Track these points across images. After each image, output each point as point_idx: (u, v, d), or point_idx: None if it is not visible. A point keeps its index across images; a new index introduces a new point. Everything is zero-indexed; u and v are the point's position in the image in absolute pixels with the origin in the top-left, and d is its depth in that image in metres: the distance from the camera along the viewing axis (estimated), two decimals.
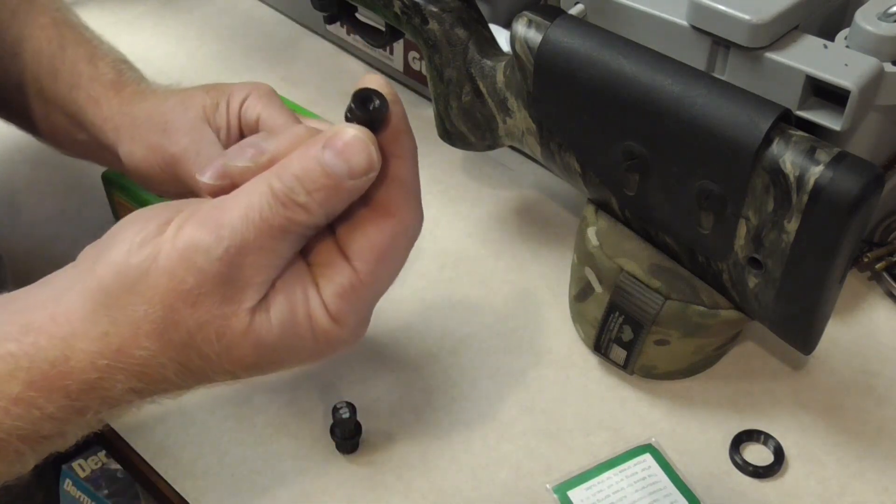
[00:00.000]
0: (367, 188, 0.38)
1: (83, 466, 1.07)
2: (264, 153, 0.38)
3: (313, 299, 0.38)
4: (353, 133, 0.36)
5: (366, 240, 0.39)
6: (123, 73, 0.60)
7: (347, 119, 0.38)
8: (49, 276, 0.41)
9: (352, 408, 0.59)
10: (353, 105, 0.37)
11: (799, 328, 0.58)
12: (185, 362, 0.38)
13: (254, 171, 0.38)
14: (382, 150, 0.38)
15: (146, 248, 0.37)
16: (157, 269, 0.37)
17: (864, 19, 0.60)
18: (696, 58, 0.64)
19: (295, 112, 0.57)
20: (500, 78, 0.64)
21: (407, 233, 0.40)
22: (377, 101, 0.38)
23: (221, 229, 0.36)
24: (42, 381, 0.38)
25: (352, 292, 0.38)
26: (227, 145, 0.56)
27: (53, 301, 0.39)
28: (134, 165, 0.57)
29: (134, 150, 0.57)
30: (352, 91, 0.38)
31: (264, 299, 0.38)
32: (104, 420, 0.41)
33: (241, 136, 0.56)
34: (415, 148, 0.40)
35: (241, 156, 0.38)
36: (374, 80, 0.38)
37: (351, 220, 0.39)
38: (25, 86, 0.62)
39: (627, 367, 0.64)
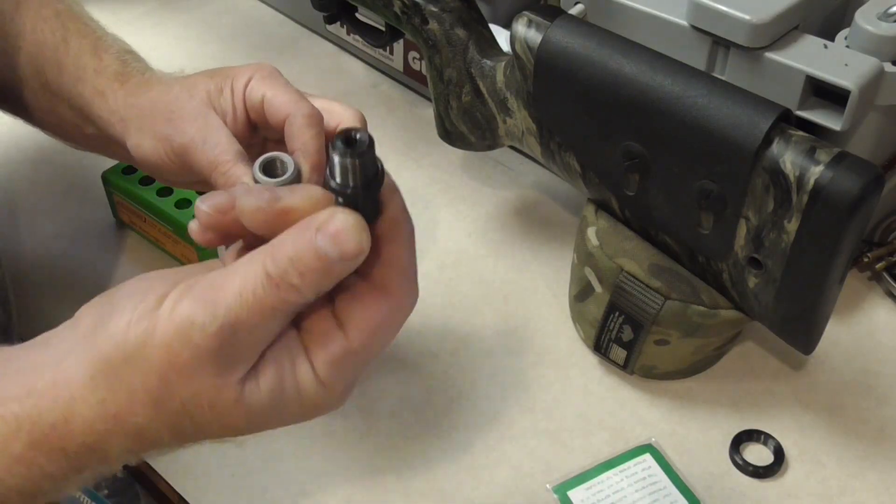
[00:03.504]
0: (357, 266, 0.39)
1: None
2: (279, 200, 0.39)
3: (301, 367, 0.40)
4: (344, 218, 0.37)
5: (362, 313, 0.40)
6: (128, 63, 0.60)
7: (331, 156, 0.39)
8: (48, 334, 0.42)
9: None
10: (339, 146, 0.38)
11: (799, 328, 0.58)
12: (179, 428, 0.40)
13: (265, 213, 0.39)
14: (383, 234, 0.39)
15: (143, 322, 0.38)
16: (154, 342, 0.38)
17: (864, 19, 0.60)
18: (696, 58, 0.64)
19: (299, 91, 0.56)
20: (500, 78, 0.64)
21: (402, 310, 0.41)
22: (360, 140, 0.38)
23: (217, 307, 0.37)
24: (43, 442, 0.39)
25: (343, 360, 0.40)
26: (234, 129, 0.55)
27: (54, 365, 0.40)
28: (143, 157, 0.57)
29: (141, 141, 0.56)
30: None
31: (254, 369, 0.39)
32: (101, 475, 0.42)
33: (248, 118, 0.56)
34: (412, 231, 0.41)
35: (257, 195, 0.39)
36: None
37: (349, 293, 0.40)
38: (30, 79, 0.61)
39: (627, 367, 0.64)
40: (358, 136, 0.38)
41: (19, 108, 0.64)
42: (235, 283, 0.37)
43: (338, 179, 0.38)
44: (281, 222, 0.38)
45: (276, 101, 0.54)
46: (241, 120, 0.56)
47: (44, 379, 0.40)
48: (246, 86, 0.55)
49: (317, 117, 0.53)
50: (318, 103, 0.55)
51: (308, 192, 0.39)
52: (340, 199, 0.38)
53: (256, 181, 0.49)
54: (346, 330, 0.40)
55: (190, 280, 0.39)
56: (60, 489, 0.41)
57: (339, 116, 0.55)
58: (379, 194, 0.39)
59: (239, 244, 0.41)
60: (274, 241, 0.38)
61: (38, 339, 0.42)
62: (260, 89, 0.55)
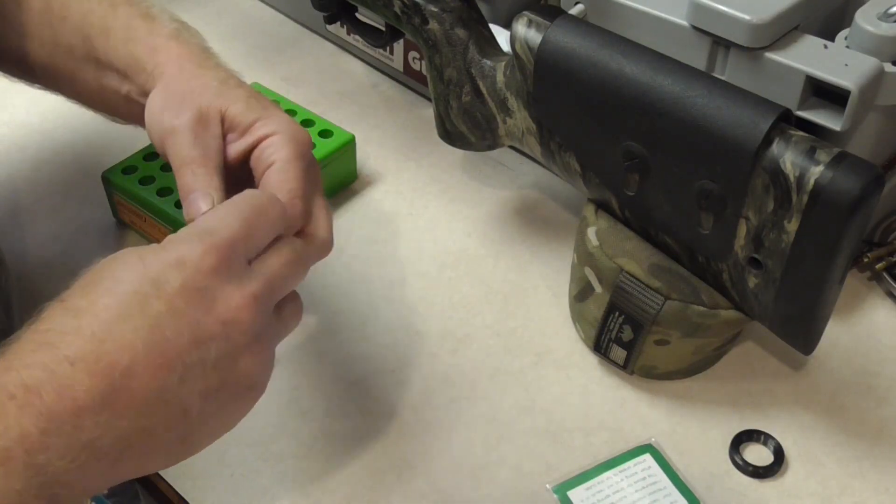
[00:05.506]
0: None
1: None
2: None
3: None
4: None
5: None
6: (181, 33, 0.60)
7: None
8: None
9: None
10: None
11: (799, 328, 0.58)
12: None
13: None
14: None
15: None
16: None
17: (864, 19, 0.60)
18: (696, 58, 0.64)
19: (301, 190, 0.52)
20: (500, 78, 0.64)
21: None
22: None
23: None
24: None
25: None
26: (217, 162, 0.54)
27: None
28: (147, 111, 0.56)
29: (155, 97, 0.56)
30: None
31: None
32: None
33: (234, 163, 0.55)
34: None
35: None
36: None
37: None
38: (75, 48, 0.61)
39: (627, 367, 0.64)
40: None
41: (64, 80, 0.63)
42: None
43: None
44: None
45: (272, 184, 0.52)
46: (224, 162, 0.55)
47: None
48: (259, 143, 0.54)
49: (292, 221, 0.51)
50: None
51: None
52: None
53: None
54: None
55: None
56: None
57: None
58: None
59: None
60: None
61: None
62: (272, 169, 0.53)
